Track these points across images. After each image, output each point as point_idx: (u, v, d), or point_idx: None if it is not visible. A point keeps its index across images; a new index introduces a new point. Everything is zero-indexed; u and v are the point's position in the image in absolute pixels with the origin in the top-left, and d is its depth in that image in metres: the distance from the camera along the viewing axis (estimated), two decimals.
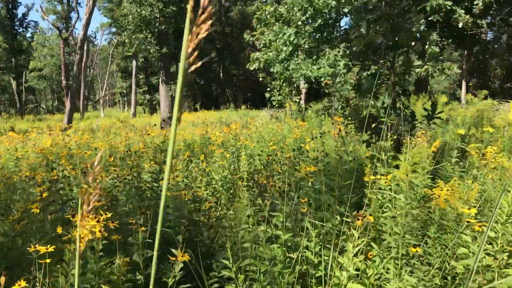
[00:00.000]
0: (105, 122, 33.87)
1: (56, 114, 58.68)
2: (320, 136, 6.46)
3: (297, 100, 15.55)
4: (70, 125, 22.85)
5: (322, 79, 14.27)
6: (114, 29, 63.93)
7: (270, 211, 3.78)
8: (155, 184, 4.84)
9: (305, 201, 4.10)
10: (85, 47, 45.28)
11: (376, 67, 6.63)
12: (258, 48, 17.03)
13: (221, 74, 61.22)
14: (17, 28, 65.62)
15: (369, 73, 6.72)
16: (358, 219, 3.12)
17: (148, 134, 9.93)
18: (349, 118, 7.20)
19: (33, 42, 69.14)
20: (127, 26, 20.48)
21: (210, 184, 6.92)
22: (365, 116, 6.05)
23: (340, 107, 15.88)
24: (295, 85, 15.92)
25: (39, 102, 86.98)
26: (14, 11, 65.11)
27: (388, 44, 6.36)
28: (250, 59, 16.18)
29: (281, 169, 6.18)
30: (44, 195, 3.77)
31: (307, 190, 5.02)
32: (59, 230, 3.01)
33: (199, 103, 62.55)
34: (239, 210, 5.80)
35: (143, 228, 3.51)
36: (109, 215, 3.01)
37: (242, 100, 60.79)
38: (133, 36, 20.22)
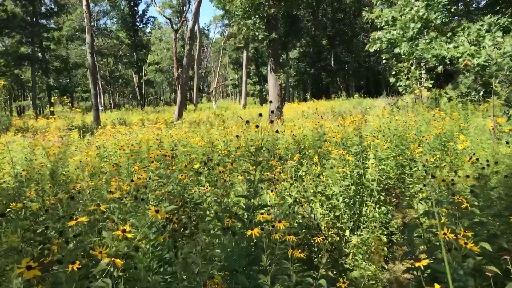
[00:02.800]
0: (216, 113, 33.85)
1: (173, 105, 61.15)
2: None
3: (430, 85, 12.99)
4: (181, 117, 22.70)
5: (460, 60, 11.65)
6: (226, 21, 64.74)
7: None
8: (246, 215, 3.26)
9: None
10: (198, 39, 46.04)
11: None
12: (379, 27, 14.77)
13: (332, 62, 58.68)
14: (138, 24, 69.74)
15: None
16: None
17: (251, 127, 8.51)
18: None
19: (151, 37, 73.08)
20: (235, 12, 19.43)
21: (326, 197, 5.21)
22: None
23: (483, 92, 13.04)
24: (425, 68, 13.36)
25: (158, 94, 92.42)
26: (136, 8, 69.30)
27: None
28: (370, 40, 14.01)
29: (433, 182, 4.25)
30: None
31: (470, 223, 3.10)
32: None
33: (309, 92, 60.72)
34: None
35: None
36: None
37: (354, 88, 57.72)
38: (241, 22, 19.10)
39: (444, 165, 5.39)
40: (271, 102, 20.30)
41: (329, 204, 4.85)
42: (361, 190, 5.41)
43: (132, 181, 3.62)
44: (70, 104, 66.85)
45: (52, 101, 33.16)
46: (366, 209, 5.15)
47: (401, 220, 5.18)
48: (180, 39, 54.55)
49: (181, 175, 4.52)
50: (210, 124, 16.42)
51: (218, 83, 79.62)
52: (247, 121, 3.75)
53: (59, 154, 6.80)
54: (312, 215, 4.40)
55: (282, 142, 7.59)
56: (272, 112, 19.95)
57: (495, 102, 9.07)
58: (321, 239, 3.84)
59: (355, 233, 4.72)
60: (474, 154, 5.64)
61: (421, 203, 4.72)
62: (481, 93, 12.90)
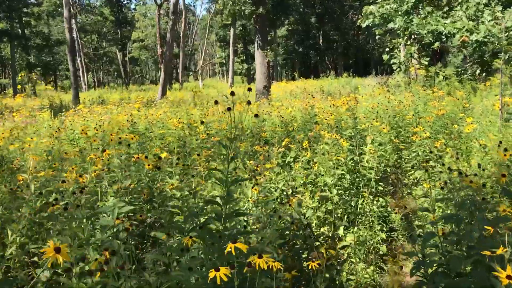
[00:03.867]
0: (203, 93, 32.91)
1: (159, 84, 59.88)
2: None
3: (425, 63, 12.28)
4: (164, 96, 21.81)
5: (457, 36, 10.99)
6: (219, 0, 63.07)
7: None
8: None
9: None
10: (184, 16, 44.69)
11: None
12: (371, 1, 13.97)
13: (321, 41, 57.64)
14: (122, 0, 67.73)
15: None
16: None
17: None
18: None
19: (136, 13, 71.27)
20: None
21: (318, 187, 4.58)
22: None
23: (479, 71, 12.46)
24: (421, 44, 12.64)
25: (144, 72, 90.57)
26: None
27: None
28: (362, 14, 13.24)
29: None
30: None
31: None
32: None
33: (298, 71, 59.87)
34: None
35: None
36: None
37: (343, 67, 56.91)
38: None
39: (448, 151, 4.78)
40: (258, 81, 19.52)
41: (321, 196, 4.21)
42: (357, 179, 4.78)
43: (80, 176, 2.92)
44: (54, 82, 65.23)
45: (32, 77, 31.78)
46: (363, 201, 4.53)
47: (401, 213, 4.57)
48: (165, 15, 52.96)
49: (148, 165, 3.84)
50: (194, 103, 15.65)
51: (205, 61, 78.27)
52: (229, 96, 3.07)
53: (13, 137, 6.04)
54: (302, 213, 3.77)
55: (269, 124, 6.93)
56: (259, 91, 19.21)
57: (497, 81, 8.47)
58: (316, 260, 3.22)
59: (351, 230, 4.11)
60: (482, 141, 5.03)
61: (425, 195, 4.10)
62: (478, 71, 12.30)
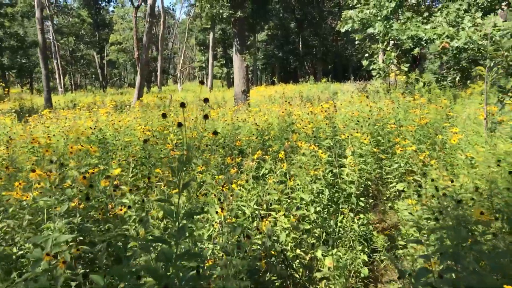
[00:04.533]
0: (179, 97, 32.33)
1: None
2: None
3: (405, 69, 12.01)
4: (139, 100, 21.18)
5: (437, 42, 10.81)
6: (192, 1, 62.43)
7: None
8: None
9: None
10: (162, 19, 44.02)
11: None
12: (350, 6, 13.73)
13: (300, 46, 57.59)
14: (100, 2, 66.48)
15: None
16: None
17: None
18: None
19: (114, 15, 70.25)
20: None
21: (294, 203, 4.20)
22: None
23: (459, 78, 12.33)
24: (401, 50, 12.38)
25: (122, 76, 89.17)
26: None
27: None
28: (342, 19, 12.97)
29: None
30: None
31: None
32: None
33: (277, 76, 59.75)
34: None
35: None
36: None
37: (322, 72, 56.95)
38: None
39: (433, 164, 4.46)
40: (236, 85, 19.11)
41: (294, 225, 3.82)
42: (336, 194, 4.43)
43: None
44: (30, 85, 63.55)
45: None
46: (343, 219, 4.18)
47: (383, 234, 4.23)
48: (143, 18, 52.16)
49: (104, 181, 3.40)
50: (169, 108, 15.18)
51: (184, 65, 77.55)
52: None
53: None
54: (276, 236, 3.38)
55: (244, 132, 6.54)
56: (238, 95, 18.80)
57: (480, 88, 8.27)
58: None
59: (329, 252, 3.74)
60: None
61: (409, 213, 3.78)
62: (457, 78, 12.15)
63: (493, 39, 6.80)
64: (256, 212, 3.82)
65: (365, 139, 4.82)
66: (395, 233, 4.67)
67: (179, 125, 1.75)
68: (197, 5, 19.40)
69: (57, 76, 56.33)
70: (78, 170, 3.70)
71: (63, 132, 6.22)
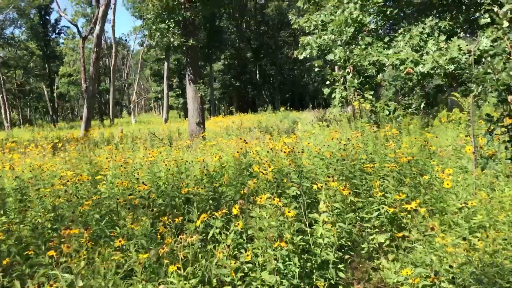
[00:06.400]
0: (132, 129, 30.74)
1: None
2: None
3: (370, 96, 11.26)
4: (86, 133, 19.63)
5: (401, 67, 10.19)
6: (146, 32, 61.44)
7: None
8: None
9: None
10: (114, 49, 42.62)
11: None
12: (307, 32, 13.06)
13: (257, 75, 57.43)
14: (50, 34, 64.14)
15: None
16: None
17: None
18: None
19: (64, 47, 68.13)
20: (147, 15, 16.98)
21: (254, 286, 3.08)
22: None
23: (423, 104, 11.76)
24: (363, 76, 11.67)
25: (74, 109, 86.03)
26: (47, 17, 63.61)
27: None
28: (299, 45, 12.25)
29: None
30: None
31: None
32: None
33: (235, 105, 59.11)
34: None
35: None
36: None
37: (280, 101, 56.80)
38: (154, 27, 16.70)
39: (422, 212, 3.50)
40: (190, 116, 17.97)
41: None
42: (308, 264, 3.36)
43: None
44: None
45: None
46: None
47: None
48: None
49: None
50: (115, 144, 13.85)
51: (139, 96, 75.80)
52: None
53: None
54: None
55: (192, 177, 5.40)
56: (193, 128, 17.66)
57: (456, 116, 7.54)
58: None
59: None
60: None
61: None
62: (422, 105, 11.56)
63: (481, 62, 6.12)
64: None
65: (343, 188, 3.79)
66: None
67: None
68: (147, 34, 18.36)
69: (2, 111, 53.39)
70: None
71: None
